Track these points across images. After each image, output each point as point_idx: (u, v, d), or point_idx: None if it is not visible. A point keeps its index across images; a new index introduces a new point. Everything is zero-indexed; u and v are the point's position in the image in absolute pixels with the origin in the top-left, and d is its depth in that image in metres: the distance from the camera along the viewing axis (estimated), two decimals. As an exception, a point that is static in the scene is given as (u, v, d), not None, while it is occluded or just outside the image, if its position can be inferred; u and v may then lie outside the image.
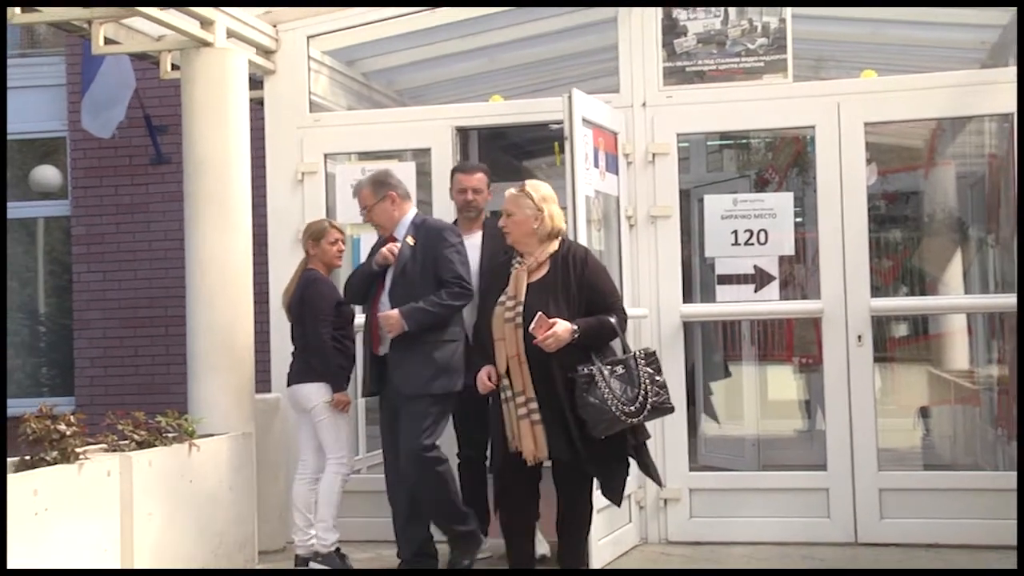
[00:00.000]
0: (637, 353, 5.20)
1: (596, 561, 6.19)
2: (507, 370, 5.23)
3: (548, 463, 5.31)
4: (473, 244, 6.36)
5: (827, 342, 6.85)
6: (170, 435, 5.81)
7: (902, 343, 9.87)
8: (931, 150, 9.31)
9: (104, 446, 5.57)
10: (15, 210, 11.45)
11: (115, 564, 5.21)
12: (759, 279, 6.88)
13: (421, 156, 7.34)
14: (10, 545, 4.52)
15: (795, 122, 7.30)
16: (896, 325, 9.64)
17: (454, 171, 6.62)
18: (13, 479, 4.71)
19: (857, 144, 6.78)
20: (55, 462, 4.99)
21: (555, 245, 5.39)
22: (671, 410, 5.30)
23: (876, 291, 6.94)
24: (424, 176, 7.22)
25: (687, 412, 7.13)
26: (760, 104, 6.92)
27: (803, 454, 8.81)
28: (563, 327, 5.10)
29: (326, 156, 7.33)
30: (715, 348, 9.29)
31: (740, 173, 9.72)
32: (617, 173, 6.84)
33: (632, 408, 5.05)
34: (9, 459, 5.07)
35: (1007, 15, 7.13)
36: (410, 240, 6.04)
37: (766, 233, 6.83)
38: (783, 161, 9.20)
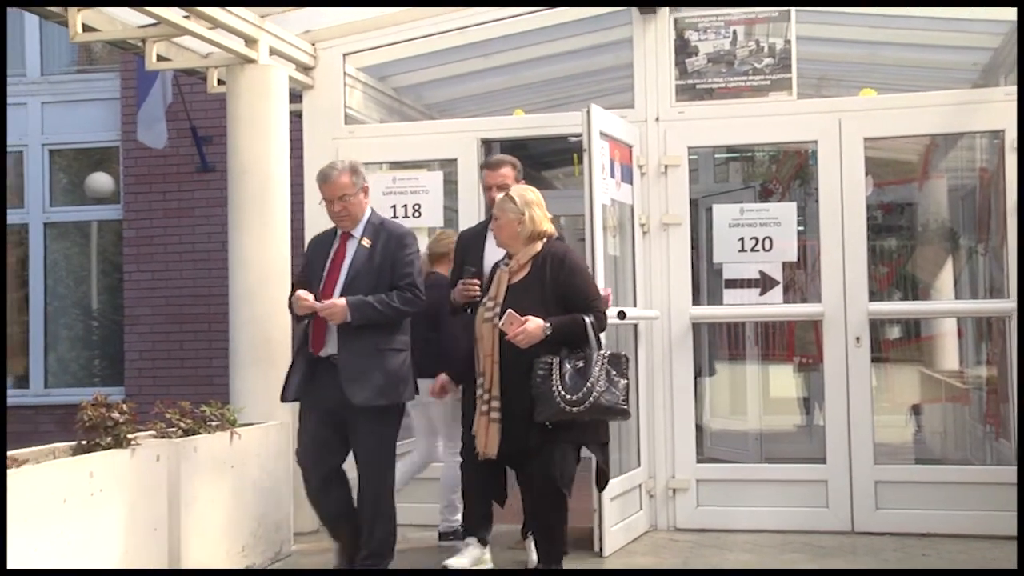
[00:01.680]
0: (604, 352, 5.07)
1: (609, 546, 6.21)
2: (482, 369, 5.17)
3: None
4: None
5: (827, 343, 6.84)
6: (213, 424, 5.83)
7: (896, 345, 9.82)
8: (925, 164, 9.27)
9: (153, 433, 5.60)
10: (72, 214, 11.59)
11: (164, 543, 5.24)
12: (764, 283, 6.88)
13: (448, 166, 7.36)
14: (69, 523, 4.56)
15: (799, 137, 7.28)
16: (890, 327, 9.59)
17: (482, 167, 6.30)
18: (72, 462, 4.76)
19: (857, 158, 6.77)
20: (109, 447, 5.01)
21: (538, 247, 5.28)
22: (624, 413, 5.13)
23: (873, 296, 6.92)
24: (451, 184, 7.24)
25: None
26: (766, 120, 6.92)
27: (803, 448, 8.78)
28: (534, 324, 4.99)
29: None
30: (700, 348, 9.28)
31: (745, 184, 9.70)
32: (632, 183, 6.83)
33: (573, 398, 4.91)
34: (67, 443, 5.11)
35: (998, 39, 7.13)
36: (366, 242, 5.46)
37: (771, 240, 6.83)
38: (786, 173, 9.17)
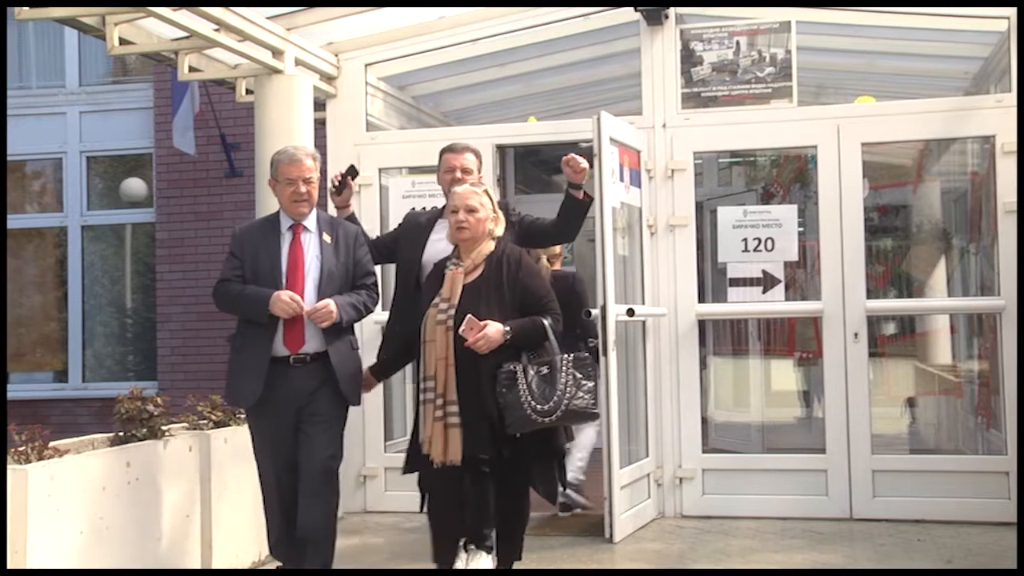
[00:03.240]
0: (566, 356, 4.65)
1: (619, 533, 6.20)
2: (433, 372, 4.63)
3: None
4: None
5: (826, 339, 6.82)
6: (241, 416, 5.82)
7: (892, 340, 9.81)
8: (919, 168, 9.26)
9: (186, 425, 5.62)
10: (108, 217, 11.60)
11: (196, 529, 5.26)
12: (766, 282, 6.87)
13: (464, 171, 7.34)
14: (108, 509, 4.59)
15: (799, 142, 7.26)
16: (886, 324, 9.58)
17: (442, 152, 5.45)
18: (110, 452, 4.79)
19: (854, 162, 6.75)
20: (144, 438, 5.03)
21: (491, 246, 4.82)
22: (594, 416, 4.78)
23: (870, 293, 6.90)
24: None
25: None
26: (768, 126, 6.90)
27: (803, 439, 8.77)
28: (494, 329, 4.57)
29: (380, 170, 7.35)
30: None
31: (748, 187, 9.68)
32: (640, 187, 6.83)
33: (545, 407, 4.53)
34: (104, 435, 5.13)
35: (988, 48, 7.11)
36: (327, 238, 4.88)
37: (773, 241, 6.82)
38: (787, 177, 9.14)
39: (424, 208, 6.03)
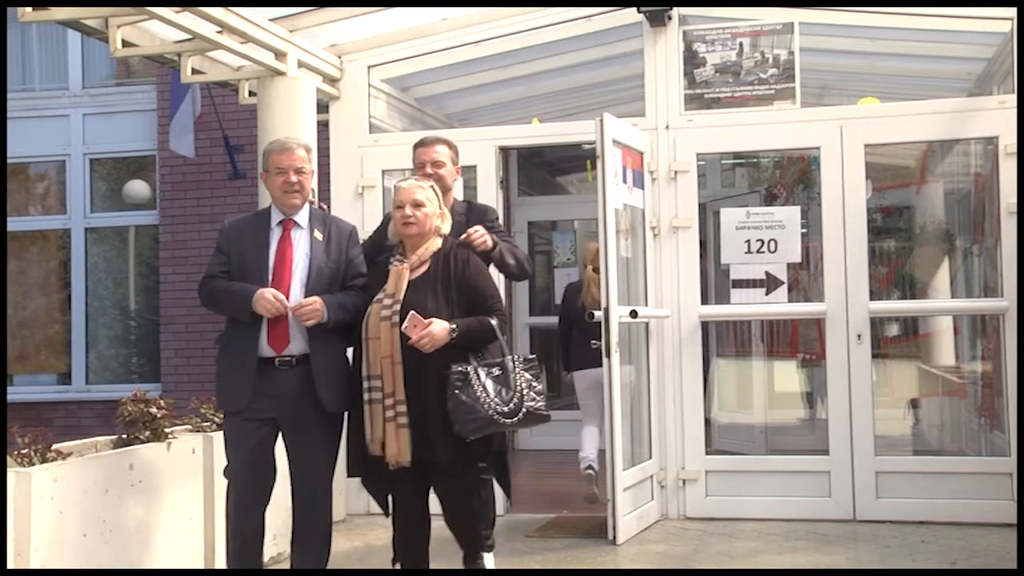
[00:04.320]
0: (515, 357, 4.53)
1: (622, 534, 6.19)
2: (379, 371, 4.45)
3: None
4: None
5: (830, 340, 6.80)
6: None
7: (895, 342, 9.79)
8: (922, 169, 9.24)
9: (189, 427, 5.61)
10: (111, 219, 11.62)
11: (199, 531, 5.25)
12: (769, 283, 6.86)
13: (467, 172, 7.30)
14: (111, 511, 4.58)
15: (802, 143, 7.26)
16: (890, 325, 9.56)
17: (414, 147, 5.23)
18: (113, 455, 4.78)
19: (857, 163, 6.74)
20: (147, 440, 5.04)
21: (438, 243, 4.66)
22: (546, 418, 4.55)
23: (873, 295, 6.89)
24: (470, 190, 7.21)
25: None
26: (771, 127, 6.90)
27: (807, 440, 8.74)
28: (439, 327, 4.39)
29: (383, 172, 7.34)
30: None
31: (751, 189, 9.67)
32: (643, 188, 6.82)
33: (506, 409, 4.38)
34: (108, 437, 5.13)
35: (991, 50, 7.09)
36: (319, 235, 4.67)
37: (776, 242, 6.80)
38: (790, 178, 9.13)
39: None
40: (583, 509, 7.01)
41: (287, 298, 4.49)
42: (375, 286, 4.62)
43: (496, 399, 4.38)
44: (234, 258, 4.64)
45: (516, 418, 4.42)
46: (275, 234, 4.66)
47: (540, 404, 4.49)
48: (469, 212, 5.20)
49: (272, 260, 4.60)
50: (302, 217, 4.68)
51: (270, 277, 4.55)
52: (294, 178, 4.63)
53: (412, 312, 4.38)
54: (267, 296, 4.44)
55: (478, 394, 4.35)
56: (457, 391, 4.35)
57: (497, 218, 5.41)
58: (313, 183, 4.92)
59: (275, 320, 4.49)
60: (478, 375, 4.39)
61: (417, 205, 4.59)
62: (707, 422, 7.26)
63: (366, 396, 4.46)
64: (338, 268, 4.66)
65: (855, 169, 6.74)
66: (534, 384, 4.50)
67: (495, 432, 4.47)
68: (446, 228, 4.71)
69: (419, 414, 4.40)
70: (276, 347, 4.51)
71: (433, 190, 4.69)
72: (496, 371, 4.46)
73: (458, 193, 6.96)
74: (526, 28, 7.26)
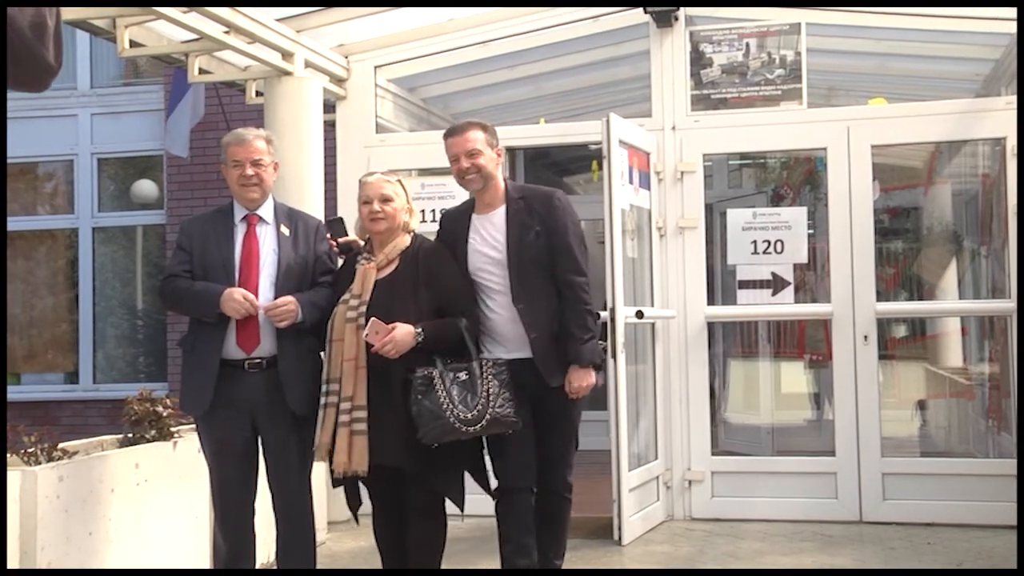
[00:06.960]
0: (484, 361, 4.31)
1: (628, 535, 6.19)
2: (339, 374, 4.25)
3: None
4: (494, 223, 4.59)
5: (836, 341, 6.80)
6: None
7: (902, 343, 9.78)
8: (930, 170, 9.23)
9: (194, 426, 5.59)
10: (119, 219, 11.63)
11: (204, 530, 5.25)
12: (776, 284, 6.85)
13: (474, 172, 7.33)
14: (117, 510, 4.58)
15: (809, 144, 7.25)
16: (896, 326, 9.55)
17: (445, 137, 4.77)
18: (119, 454, 4.78)
19: (865, 164, 6.73)
20: (153, 439, 5.04)
21: (406, 240, 4.43)
22: (515, 424, 4.28)
23: (880, 296, 6.88)
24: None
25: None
26: (777, 128, 6.89)
27: (813, 441, 8.73)
28: (403, 331, 4.17)
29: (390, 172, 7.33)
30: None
31: (758, 189, 9.66)
32: (649, 189, 6.82)
33: (469, 416, 4.14)
34: (115, 436, 5.13)
35: (998, 50, 7.07)
36: (285, 230, 4.45)
37: (782, 243, 6.79)
38: (796, 179, 9.13)
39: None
40: (588, 510, 6.99)
41: (256, 296, 4.29)
42: (342, 285, 4.43)
43: (460, 405, 4.15)
44: (196, 256, 4.40)
45: (479, 425, 4.18)
46: (239, 230, 4.44)
47: (508, 410, 4.24)
48: (527, 200, 4.62)
49: (238, 257, 4.38)
50: (266, 212, 4.47)
51: (236, 275, 4.34)
52: (250, 171, 4.41)
53: (373, 319, 4.18)
54: (236, 297, 4.22)
55: (441, 400, 4.13)
56: (420, 396, 4.16)
57: (561, 206, 4.61)
58: (352, 229, 4.67)
59: (244, 320, 4.27)
60: (443, 380, 4.18)
61: (385, 200, 4.37)
62: (723, 423, 7.23)
63: (322, 400, 4.27)
64: (307, 264, 4.45)
65: (862, 170, 6.73)
66: (502, 390, 4.25)
67: (458, 439, 4.21)
68: (414, 223, 4.51)
69: (385, 420, 4.20)
70: (246, 347, 4.31)
71: (401, 184, 4.49)
72: (463, 375, 4.23)
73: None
74: (533, 28, 7.27)
